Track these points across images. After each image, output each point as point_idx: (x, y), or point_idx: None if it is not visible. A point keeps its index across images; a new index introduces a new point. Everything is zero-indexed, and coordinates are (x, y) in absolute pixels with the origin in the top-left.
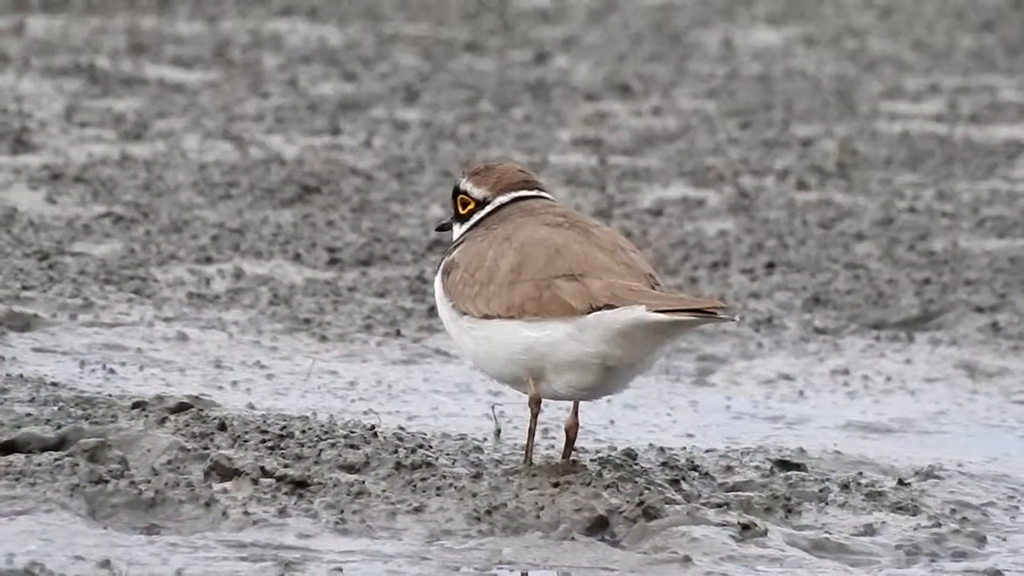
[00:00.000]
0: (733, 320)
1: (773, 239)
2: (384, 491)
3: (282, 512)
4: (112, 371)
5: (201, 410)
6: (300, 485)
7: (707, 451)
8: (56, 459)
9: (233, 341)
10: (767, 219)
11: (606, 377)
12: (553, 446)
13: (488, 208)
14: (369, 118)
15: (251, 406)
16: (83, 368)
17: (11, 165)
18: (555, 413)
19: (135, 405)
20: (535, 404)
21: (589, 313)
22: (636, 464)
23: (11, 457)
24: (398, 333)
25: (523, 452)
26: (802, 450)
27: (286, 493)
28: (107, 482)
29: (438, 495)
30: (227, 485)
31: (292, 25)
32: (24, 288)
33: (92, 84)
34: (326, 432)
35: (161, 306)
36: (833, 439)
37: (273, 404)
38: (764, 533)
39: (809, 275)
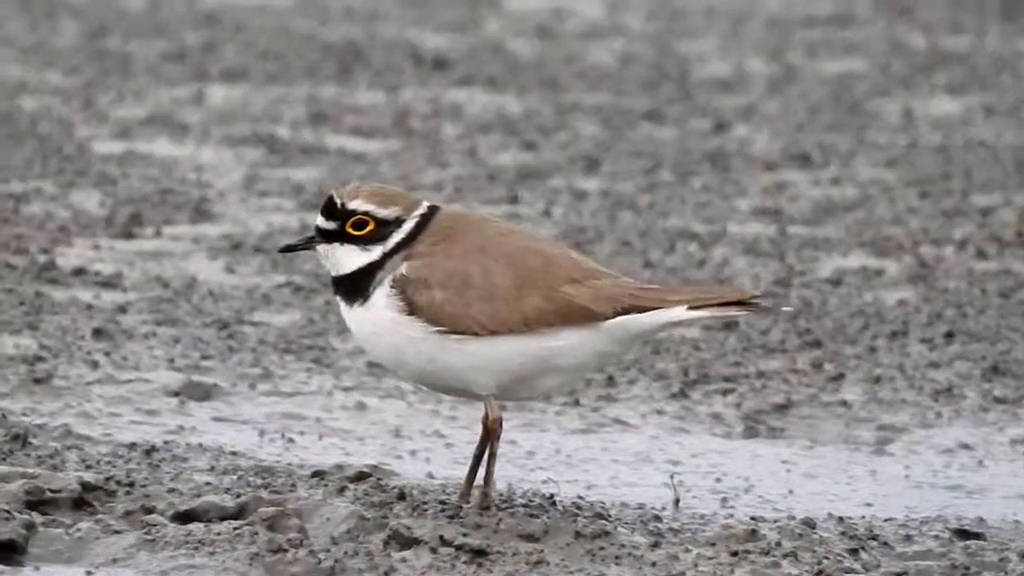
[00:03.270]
0: (770, 310)
1: (952, 309)
2: (562, 560)
3: None
4: (291, 440)
5: (380, 479)
6: (479, 554)
7: (886, 520)
8: (235, 528)
9: (412, 410)
10: (946, 289)
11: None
12: (732, 515)
13: (409, 225)
14: (548, 187)
15: (430, 475)
16: (262, 437)
17: (191, 235)
18: (729, 485)
19: (314, 474)
20: (499, 425)
21: (613, 317)
22: (815, 533)
23: (191, 526)
24: (577, 402)
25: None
26: (981, 519)
27: (465, 562)
28: (286, 551)
29: (616, 564)
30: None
31: (471, 95)
32: (204, 358)
33: (271, 153)
34: (505, 501)
35: (340, 375)
36: (1013, 508)
37: (451, 473)
38: None
39: (988, 344)
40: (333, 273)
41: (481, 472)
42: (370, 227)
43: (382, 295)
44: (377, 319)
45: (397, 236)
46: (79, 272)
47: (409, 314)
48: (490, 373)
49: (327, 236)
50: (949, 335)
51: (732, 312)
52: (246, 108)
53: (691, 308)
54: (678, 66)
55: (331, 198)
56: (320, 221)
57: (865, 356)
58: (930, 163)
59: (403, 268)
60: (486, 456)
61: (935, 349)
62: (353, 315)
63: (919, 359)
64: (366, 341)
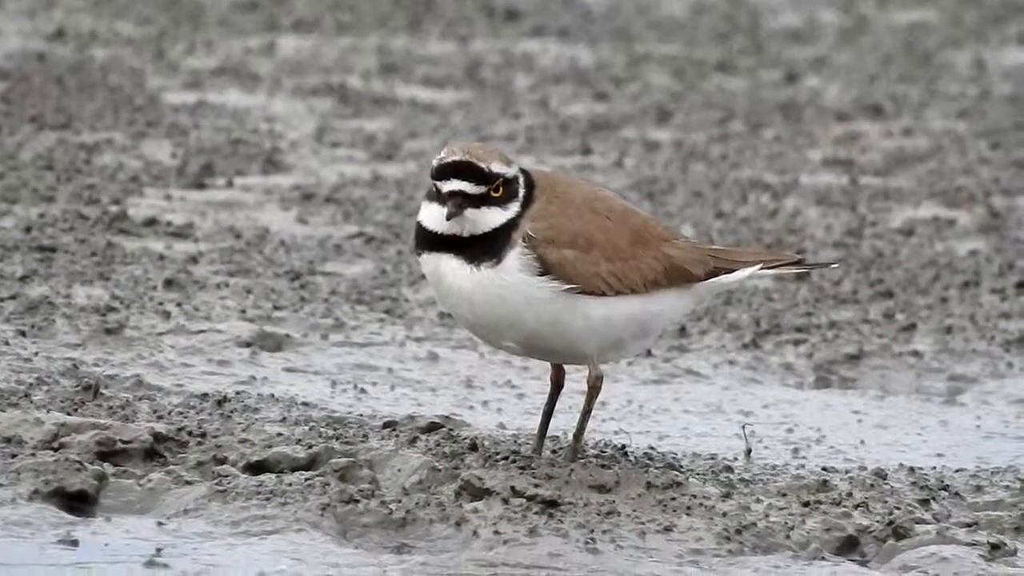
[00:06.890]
0: (819, 266)
1: None
2: (634, 510)
3: (532, 532)
4: (363, 391)
5: (452, 430)
6: (550, 505)
7: (957, 471)
8: (307, 479)
9: (484, 361)
10: (1018, 239)
11: None
12: (803, 466)
13: (521, 181)
14: (620, 138)
15: (502, 426)
16: (334, 388)
17: (262, 185)
18: (800, 435)
19: (386, 425)
20: (601, 383)
21: (705, 279)
22: (886, 484)
23: (262, 477)
24: (649, 353)
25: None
26: None
27: (536, 513)
28: (358, 502)
29: (688, 514)
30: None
31: (543, 46)
32: (276, 308)
33: (343, 104)
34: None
35: (412, 326)
36: None
37: (524, 424)
38: (1013, 553)
39: None
40: (465, 234)
41: (550, 425)
42: (502, 188)
43: (515, 256)
44: (507, 281)
45: (521, 192)
46: (151, 222)
47: (541, 274)
48: (600, 336)
49: (474, 201)
50: (1020, 285)
51: (794, 270)
52: (317, 59)
53: (764, 267)
54: (750, 17)
55: (473, 164)
56: (468, 187)
57: (937, 306)
58: (1001, 113)
59: (529, 228)
60: (581, 412)
61: (1006, 299)
62: (477, 277)
63: (990, 309)
64: (485, 302)
